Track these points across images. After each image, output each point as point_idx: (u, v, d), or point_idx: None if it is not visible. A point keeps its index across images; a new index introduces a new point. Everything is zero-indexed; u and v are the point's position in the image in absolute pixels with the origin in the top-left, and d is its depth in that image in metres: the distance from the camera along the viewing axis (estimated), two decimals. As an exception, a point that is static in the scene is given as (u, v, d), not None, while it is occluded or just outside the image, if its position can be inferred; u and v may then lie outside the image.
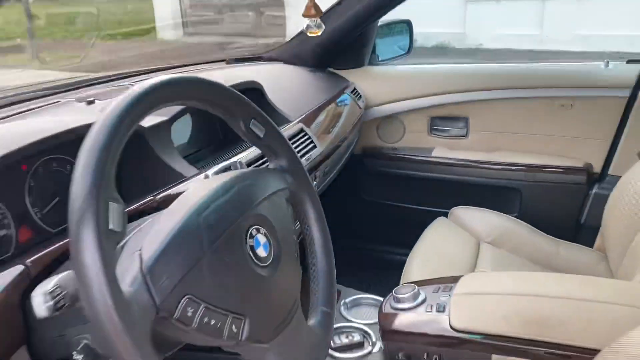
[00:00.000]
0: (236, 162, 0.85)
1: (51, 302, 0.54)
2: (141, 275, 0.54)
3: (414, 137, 1.92)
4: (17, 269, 0.67)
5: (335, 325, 1.14)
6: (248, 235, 0.65)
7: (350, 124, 1.65)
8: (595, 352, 0.76)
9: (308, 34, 1.01)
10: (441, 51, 8.74)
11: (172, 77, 0.64)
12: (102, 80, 1.34)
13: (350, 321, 1.16)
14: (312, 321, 0.76)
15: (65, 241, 0.73)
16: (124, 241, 0.61)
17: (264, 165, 0.90)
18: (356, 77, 1.90)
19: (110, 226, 0.52)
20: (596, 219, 1.44)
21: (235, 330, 0.61)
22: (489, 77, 1.79)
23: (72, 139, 0.84)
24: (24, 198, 0.81)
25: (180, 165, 0.95)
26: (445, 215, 1.74)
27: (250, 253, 0.65)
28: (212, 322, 0.58)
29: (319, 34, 1.01)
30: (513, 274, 1.22)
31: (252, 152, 1.04)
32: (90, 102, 1.10)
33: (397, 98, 1.89)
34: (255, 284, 0.64)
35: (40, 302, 0.54)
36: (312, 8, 0.98)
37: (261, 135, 0.77)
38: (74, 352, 0.63)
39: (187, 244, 0.58)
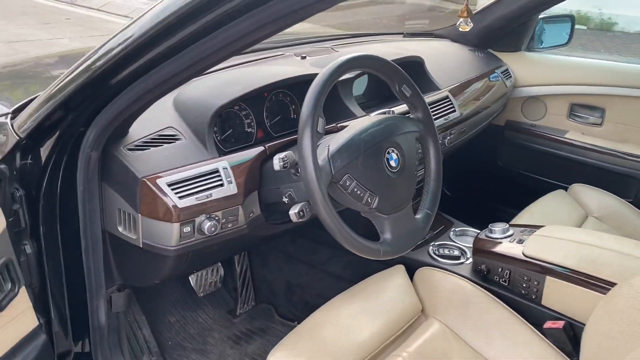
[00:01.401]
0: (390, 110, 1.31)
1: (281, 163, 1.06)
2: (327, 158, 1.04)
3: (554, 118, 2.20)
4: (260, 148, 1.22)
5: (443, 242, 1.57)
6: (386, 152, 1.12)
7: (493, 99, 2.01)
8: None
9: (460, 29, 1.41)
10: (640, 39, 8.11)
11: (358, 54, 1.11)
12: (311, 41, 1.87)
13: (455, 242, 1.58)
14: (418, 216, 1.22)
15: (282, 140, 1.26)
16: (322, 141, 1.11)
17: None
18: (511, 60, 2.22)
19: (318, 129, 1.02)
20: None
21: (369, 200, 1.08)
22: (628, 76, 2.00)
23: (294, 82, 1.36)
24: (263, 112, 1.36)
25: (354, 108, 1.44)
26: (565, 189, 2.03)
27: (386, 162, 1.11)
28: (358, 192, 1.07)
29: (468, 29, 1.39)
30: (587, 231, 1.53)
31: (403, 107, 1.49)
32: (303, 58, 1.63)
33: (544, 82, 2.18)
34: (385, 180, 1.11)
35: (277, 162, 1.06)
36: (465, 11, 1.37)
37: (408, 95, 1.21)
38: (284, 197, 1.16)
39: (352, 148, 1.07)
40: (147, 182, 1.06)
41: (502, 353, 1.26)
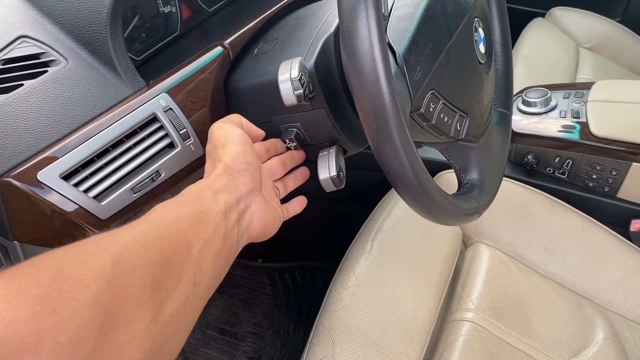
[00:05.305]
0: None
1: (300, 90, 0.51)
2: (396, 66, 0.51)
3: None
4: (215, 50, 0.63)
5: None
6: (474, 29, 0.60)
7: None
8: None
9: None
10: None
11: None
12: None
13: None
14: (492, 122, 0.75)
15: (251, 24, 0.68)
16: None
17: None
18: None
19: (382, 10, 0.46)
20: None
21: (458, 128, 0.60)
22: None
23: None
24: (184, -29, 0.74)
25: None
26: (542, 15, 1.65)
27: (476, 48, 0.60)
28: (445, 118, 0.57)
29: None
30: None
31: None
32: None
33: None
34: (478, 82, 0.62)
35: (289, 88, 0.51)
36: None
37: None
38: (287, 140, 0.62)
39: (434, 32, 0.54)
40: (15, 184, 0.47)
41: (582, 271, 0.93)
